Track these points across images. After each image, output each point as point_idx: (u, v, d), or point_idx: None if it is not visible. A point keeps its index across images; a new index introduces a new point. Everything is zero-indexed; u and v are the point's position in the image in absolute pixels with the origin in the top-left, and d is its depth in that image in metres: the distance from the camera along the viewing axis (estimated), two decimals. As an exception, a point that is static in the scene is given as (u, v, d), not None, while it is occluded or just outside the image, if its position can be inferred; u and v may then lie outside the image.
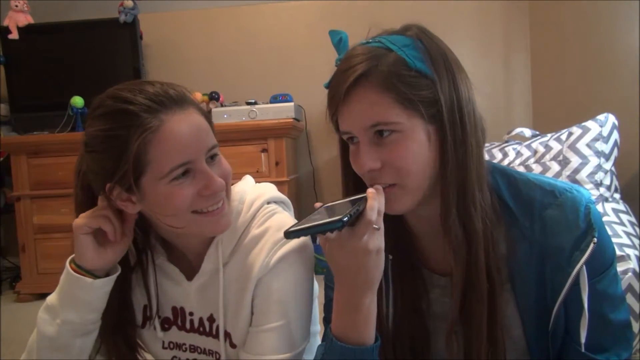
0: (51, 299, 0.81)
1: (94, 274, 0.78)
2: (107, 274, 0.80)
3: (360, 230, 0.64)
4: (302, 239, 0.81)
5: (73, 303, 0.78)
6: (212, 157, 0.76)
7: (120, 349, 0.86)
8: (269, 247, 0.80)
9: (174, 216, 0.75)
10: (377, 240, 0.65)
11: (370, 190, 0.67)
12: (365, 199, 0.65)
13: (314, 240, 0.81)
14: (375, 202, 0.65)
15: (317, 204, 0.71)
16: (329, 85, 0.73)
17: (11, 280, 2.90)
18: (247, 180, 0.93)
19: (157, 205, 0.75)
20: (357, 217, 0.64)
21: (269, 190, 0.90)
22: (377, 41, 0.71)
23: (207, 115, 0.78)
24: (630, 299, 1.31)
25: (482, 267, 0.70)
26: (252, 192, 0.87)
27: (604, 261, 0.72)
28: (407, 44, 0.69)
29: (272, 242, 0.80)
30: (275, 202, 0.89)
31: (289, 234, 0.62)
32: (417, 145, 0.69)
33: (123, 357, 0.87)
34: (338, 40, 0.76)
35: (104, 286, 0.79)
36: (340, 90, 0.69)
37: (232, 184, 0.89)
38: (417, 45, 0.70)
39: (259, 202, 0.86)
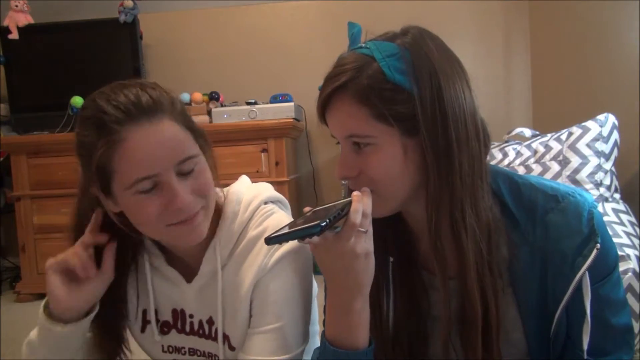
0: (33, 333, 0.80)
1: (64, 319, 0.75)
2: (88, 313, 0.78)
3: (345, 233, 0.63)
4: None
5: (48, 345, 0.77)
6: (188, 169, 0.73)
7: (108, 346, 0.85)
8: (267, 248, 0.80)
9: (146, 226, 0.74)
10: (364, 244, 0.65)
11: (355, 194, 0.66)
12: (350, 203, 0.65)
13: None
14: (359, 204, 0.64)
15: (307, 208, 0.71)
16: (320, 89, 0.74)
17: (11, 280, 2.90)
18: (243, 180, 0.92)
19: (128, 214, 0.74)
20: (344, 220, 0.64)
21: (266, 190, 0.89)
22: (366, 47, 0.70)
23: (188, 122, 0.75)
24: (630, 299, 1.31)
25: (472, 286, 0.69)
26: (249, 193, 0.87)
27: (607, 266, 0.72)
28: (393, 54, 0.68)
29: None
30: (272, 201, 0.89)
31: (269, 240, 0.62)
32: (390, 158, 0.69)
33: (110, 353, 0.85)
34: (351, 33, 0.77)
35: (75, 331, 0.76)
36: (321, 98, 0.71)
37: (229, 184, 0.89)
38: (402, 55, 0.68)
39: (255, 202, 0.85)
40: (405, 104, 0.67)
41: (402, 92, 0.67)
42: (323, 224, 0.59)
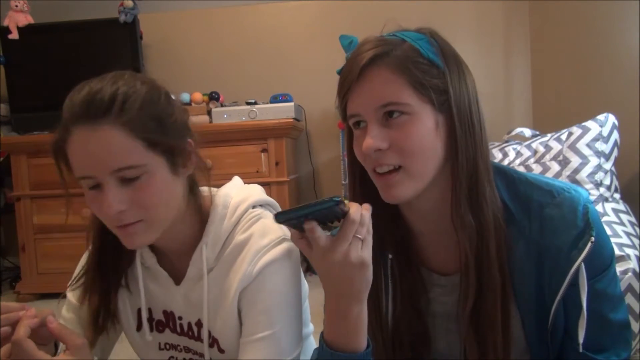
0: None
1: None
2: None
3: (341, 237, 0.62)
4: (288, 244, 0.80)
5: None
6: (130, 177, 0.70)
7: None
8: (252, 255, 0.78)
9: (102, 221, 0.75)
10: (359, 252, 0.63)
11: (353, 203, 0.64)
12: (339, 202, 0.60)
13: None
14: (359, 208, 0.63)
15: None
16: (341, 71, 0.74)
17: (11, 280, 2.90)
18: (234, 182, 0.90)
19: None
20: (341, 222, 0.63)
21: (255, 193, 0.88)
22: (391, 34, 0.73)
23: (143, 130, 0.70)
24: (630, 299, 1.31)
25: (493, 259, 0.71)
26: (237, 196, 0.85)
27: (603, 261, 0.72)
28: (421, 38, 0.72)
29: (254, 250, 0.78)
30: (261, 205, 0.87)
31: (278, 216, 0.61)
32: (424, 129, 0.69)
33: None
34: (349, 43, 0.77)
35: None
36: (355, 70, 0.70)
37: (221, 185, 0.87)
38: (430, 40, 0.72)
39: (243, 206, 0.83)
40: (440, 79, 0.70)
41: (436, 69, 0.70)
42: (337, 199, 0.59)
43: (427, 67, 0.69)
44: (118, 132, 0.69)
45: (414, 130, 0.69)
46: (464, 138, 0.70)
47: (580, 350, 0.70)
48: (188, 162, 0.78)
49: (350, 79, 0.71)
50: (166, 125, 0.73)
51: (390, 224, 0.79)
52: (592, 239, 0.68)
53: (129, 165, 0.70)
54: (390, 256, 0.78)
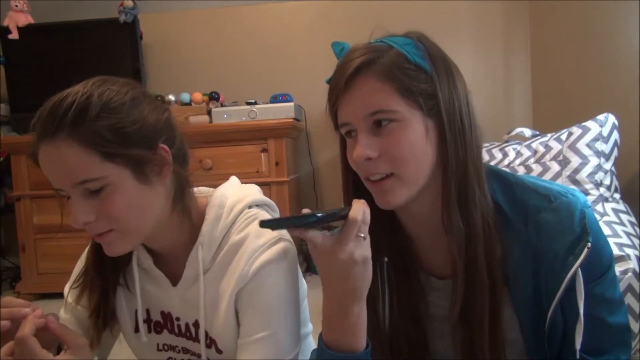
0: None
1: None
2: None
3: (345, 234, 0.63)
4: (284, 244, 0.80)
5: None
6: (93, 189, 0.70)
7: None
8: (247, 256, 0.78)
9: None
10: (363, 250, 0.64)
11: (355, 200, 0.66)
12: (349, 208, 0.64)
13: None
14: (360, 206, 0.64)
15: (305, 210, 0.69)
16: (330, 80, 0.74)
17: (11, 280, 2.90)
18: (231, 181, 0.90)
19: None
20: (344, 222, 0.64)
21: (252, 193, 0.88)
22: (378, 41, 0.73)
23: (100, 141, 0.69)
24: (630, 299, 1.31)
25: (482, 263, 0.71)
26: (233, 196, 0.85)
27: (601, 266, 0.72)
28: (408, 43, 0.72)
29: (250, 250, 0.78)
30: (258, 205, 0.87)
31: (263, 223, 0.62)
32: (415, 135, 0.69)
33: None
34: (340, 49, 0.77)
35: None
36: (342, 79, 0.70)
37: (218, 185, 0.87)
38: (417, 45, 0.72)
39: (239, 206, 0.83)
40: (428, 83, 0.70)
41: (424, 73, 0.70)
42: (320, 215, 0.60)
43: (414, 72, 0.69)
44: (72, 146, 0.69)
45: (403, 137, 0.69)
46: (454, 142, 0.70)
47: (578, 356, 0.70)
48: (163, 169, 0.76)
49: (338, 88, 0.71)
50: (127, 135, 0.71)
51: (387, 229, 0.79)
52: (589, 244, 0.68)
53: (87, 178, 0.69)
54: (385, 259, 0.78)
